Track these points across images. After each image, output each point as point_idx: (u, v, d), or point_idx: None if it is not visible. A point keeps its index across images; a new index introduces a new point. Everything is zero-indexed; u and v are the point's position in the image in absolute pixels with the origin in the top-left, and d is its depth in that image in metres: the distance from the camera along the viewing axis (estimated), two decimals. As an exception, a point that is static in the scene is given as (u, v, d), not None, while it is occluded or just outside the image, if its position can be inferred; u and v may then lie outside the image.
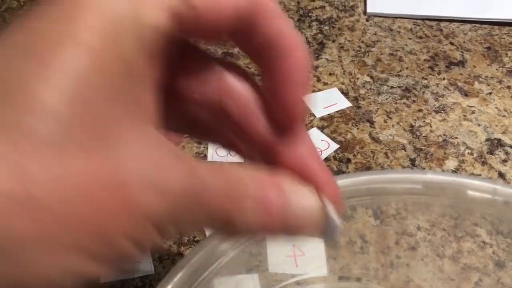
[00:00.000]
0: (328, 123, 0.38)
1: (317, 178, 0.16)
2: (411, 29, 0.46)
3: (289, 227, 0.15)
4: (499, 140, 0.37)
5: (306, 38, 0.45)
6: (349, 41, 0.45)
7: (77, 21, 0.13)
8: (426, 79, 0.41)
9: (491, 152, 0.36)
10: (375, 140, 0.37)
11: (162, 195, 0.13)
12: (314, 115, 0.39)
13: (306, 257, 0.31)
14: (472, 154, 0.36)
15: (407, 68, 0.42)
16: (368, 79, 0.41)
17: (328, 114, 0.39)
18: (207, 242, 0.25)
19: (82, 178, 0.12)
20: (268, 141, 0.17)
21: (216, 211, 0.14)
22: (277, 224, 0.15)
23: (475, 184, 0.27)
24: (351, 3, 0.48)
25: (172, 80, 0.16)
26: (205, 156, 0.36)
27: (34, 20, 0.14)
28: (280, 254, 0.30)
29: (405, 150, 0.36)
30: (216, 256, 0.25)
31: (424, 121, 0.38)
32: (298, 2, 0.49)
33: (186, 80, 0.17)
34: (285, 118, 0.17)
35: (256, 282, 0.29)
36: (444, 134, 0.37)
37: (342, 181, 0.27)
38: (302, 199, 0.15)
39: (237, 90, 0.17)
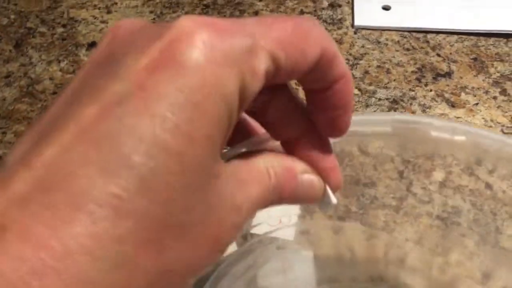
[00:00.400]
0: (317, 136, 0.38)
1: (325, 167, 0.19)
2: (398, 41, 0.46)
3: (295, 201, 0.19)
4: (486, 151, 0.37)
5: (295, 51, 0.46)
6: (337, 53, 0.45)
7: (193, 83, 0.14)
8: (413, 90, 0.42)
9: (478, 163, 0.36)
10: (364, 152, 0.37)
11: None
12: (303, 128, 0.39)
13: (295, 271, 0.31)
14: (459, 165, 0.36)
15: (394, 80, 0.43)
16: (356, 91, 0.42)
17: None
18: None
19: None
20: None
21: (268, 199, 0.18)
22: (285, 200, 0.18)
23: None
24: (339, 16, 0.49)
25: None
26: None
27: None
28: (270, 267, 0.30)
29: (393, 162, 0.37)
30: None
31: (413, 135, 0.38)
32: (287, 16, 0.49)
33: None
34: (329, 132, 0.19)
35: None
36: (432, 146, 0.37)
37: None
38: (311, 179, 0.19)
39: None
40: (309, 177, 0.19)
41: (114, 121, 0.14)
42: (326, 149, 0.19)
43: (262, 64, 0.15)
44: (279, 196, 0.18)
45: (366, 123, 0.29)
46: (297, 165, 0.19)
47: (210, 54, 0.14)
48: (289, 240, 0.32)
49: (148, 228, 0.14)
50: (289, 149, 0.19)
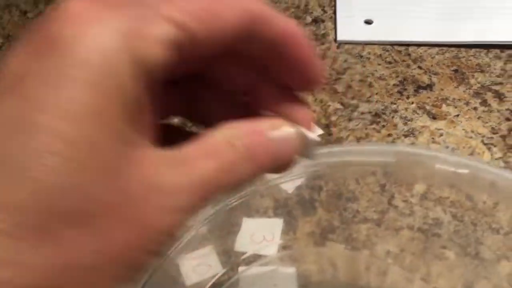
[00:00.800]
0: (300, 152, 0.39)
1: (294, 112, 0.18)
2: (380, 54, 0.47)
3: (276, 162, 0.17)
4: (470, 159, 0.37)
5: (279, 68, 0.46)
6: (320, 69, 0.46)
7: (72, 59, 0.13)
8: (395, 103, 0.42)
9: (458, 175, 0.37)
10: (346, 164, 0.38)
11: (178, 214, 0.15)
12: (286, 144, 0.40)
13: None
14: (440, 177, 0.37)
15: (377, 93, 0.43)
16: (339, 106, 0.42)
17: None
18: None
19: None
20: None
21: (226, 181, 0.16)
22: (266, 164, 0.17)
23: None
24: (322, 32, 0.50)
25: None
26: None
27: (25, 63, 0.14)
28: (254, 284, 0.31)
29: (375, 175, 0.37)
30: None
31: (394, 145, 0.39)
32: (271, 32, 0.50)
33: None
34: (306, 82, 0.18)
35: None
36: (413, 160, 0.38)
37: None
38: (282, 132, 0.17)
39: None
40: (280, 131, 0.17)
41: None
42: (289, 95, 0.18)
43: (159, 33, 0.14)
44: (255, 164, 0.16)
45: (369, 153, 0.29)
46: (262, 124, 0.17)
47: (93, 31, 0.14)
48: (272, 257, 0.32)
49: (34, 219, 0.13)
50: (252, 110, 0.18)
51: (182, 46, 0.15)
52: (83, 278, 0.13)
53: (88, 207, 0.13)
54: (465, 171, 0.29)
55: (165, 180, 0.15)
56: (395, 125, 0.41)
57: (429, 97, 0.43)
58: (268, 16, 0.16)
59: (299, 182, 0.37)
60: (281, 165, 0.17)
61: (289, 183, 0.35)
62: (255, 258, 0.32)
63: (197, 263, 0.32)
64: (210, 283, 0.30)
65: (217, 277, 0.30)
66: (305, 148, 0.18)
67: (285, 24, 0.17)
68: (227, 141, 0.16)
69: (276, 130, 0.17)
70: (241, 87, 0.19)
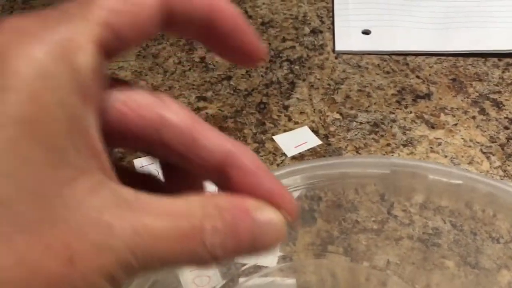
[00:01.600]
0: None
1: (273, 194, 0.16)
2: (378, 64, 0.47)
3: (257, 246, 0.15)
4: (466, 170, 0.37)
5: (278, 79, 0.47)
6: (318, 79, 0.46)
7: (4, 71, 0.13)
8: (393, 113, 0.42)
9: (458, 184, 0.37)
10: (345, 175, 0.38)
11: (111, 254, 0.13)
12: (285, 155, 0.40)
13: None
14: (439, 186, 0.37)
15: (375, 103, 0.43)
16: (337, 116, 0.43)
17: (299, 153, 0.40)
18: None
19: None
20: (217, 164, 0.16)
21: (173, 255, 0.14)
22: (246, 245, 0.15)
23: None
24: (321, 42, 0.50)
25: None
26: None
27: None
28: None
29: (374, 185, 0.37)
30: None
31: (392, 155, 0.39)
32: (270, 43, 0.51)
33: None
34: (249, 56, 0.18)
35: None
36: (412, 167, 0.38)
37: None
38: (268, 215, 0.16)
39: (174, 121, 0.16)
40: (266, 213, 0.15)
41: None
42: (265, 173, 0.16)
43: (86, 37, 0.14)
44: (235, 240, 0.14)
45: (363, 165, 0.30)
46: (247, 201, 0.15)
47: (28, 44, 0.13)
48: (272, 268, 0.32)
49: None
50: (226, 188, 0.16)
51: (109, 45, 0.15)
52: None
53: (8, 221, 0.12)
54: (459, 181, 0.29)
55: (106, 219, 0.13)
56: (394, 135, 0.41)
57: (427, 107, 0.43)
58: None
59: (297, 193, 0.37)
60: (260, 251, 0.16)
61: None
62: (255, 269, 0.32)
63: (197, 275, 0.32)
64: (210, 296, 0.30)
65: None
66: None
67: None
68: (204, 209, 0.14)
69: (262, 212, 0.15)
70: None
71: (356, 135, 0.41)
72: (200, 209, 0.14)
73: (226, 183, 0.16)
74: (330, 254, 0.33)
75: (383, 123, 0.42)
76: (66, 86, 0.13)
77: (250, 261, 0.33)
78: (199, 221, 0.14)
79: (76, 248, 0.13)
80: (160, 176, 0.18)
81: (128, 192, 0.14)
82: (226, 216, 0.14)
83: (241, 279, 0.32)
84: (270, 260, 0.33)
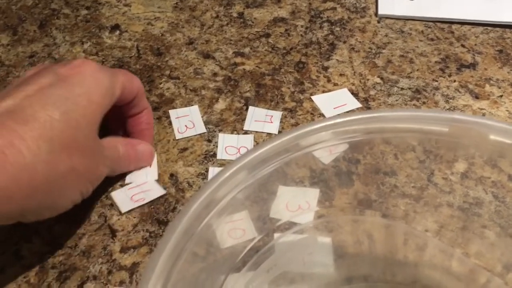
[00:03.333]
0: (337, 124, 0.38)
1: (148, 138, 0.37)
2: (422, 31, 0.46)
3: (139, 162, 0.35)
4: (510, 144, 0.36)
5: (317, 39, 0.45)
6: (360, 42, 0.45)
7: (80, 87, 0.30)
8: (436, 81, 0.41)
9: (501, 156, 0.36)
10: (385, 141, 0.37)
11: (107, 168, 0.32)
12: (323, 115, 0.39)
13: (314, 256, 0.31)
14: (482, 157, 0.36)
15: (417, 70, 0.42)
16: (378, 80, 0.41)
17: (338, 115, 0.39)
18: (206, 188, 0.26)
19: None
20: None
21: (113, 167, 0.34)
22: (132, 162, 0.35)
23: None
24: (363, 5, 0.48)
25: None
26: (215, 154, 0.37)
27: None
28: (289, 252, 0.30)
29: (414, 152, 0.36)
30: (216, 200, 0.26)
31: (434, 123, 0.38)
32: (310, 3, 0.49)
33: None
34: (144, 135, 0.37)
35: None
36: (454, 137, 0.37)
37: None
38: (144, 147, 0.36)
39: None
40: (143, 146, 0.35)
41: (47, 91, 0.28)
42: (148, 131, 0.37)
43: (119, 82, 0.32)
44: (128, 159, 0.34)
45: (423, 119, 0.28)
46: (134, 141, 0.35)
47: (96, 72, 0.31)
48: (307, 225, 0.32)
49: (62, 137, 0.28)
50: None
51: (121, 91, 0.33)
52: (69, 181, 0.29)
53: (78, 147, 0.29)
54: None
55: (104, 154, 0.32)
56: (436, 103, 0.39)
57: (472, 76, 0.41)
58: (144, 95, 0.35)
59: (336, 154, 0.37)
60: (142, 164, 0.36)
61: (327, 155, 0.34)
62: (290, 225, 0.32)
63: (232, 227, 0.32)
64: (246, 249, 0.30)
65: (253, 242, 0.30)
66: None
67: (147, 102, 0.36)
68: (116, 145, 0.33)
69: (140, 145, 0.35)
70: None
71: (397, 100, 0.40)
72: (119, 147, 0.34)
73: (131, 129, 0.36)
74: (367, 215, 0.32)
75: (425, 90, 0.40)
76: (108, 102, 0.31)
77: (284, 218, 0.32)
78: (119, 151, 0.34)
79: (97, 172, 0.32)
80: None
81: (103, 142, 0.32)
82: (124, 147, 0.34)
83: (276, 235, 0.31)
84: (305, 217, 0.32)
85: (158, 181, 0.35)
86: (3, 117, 0.26)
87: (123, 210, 0.33)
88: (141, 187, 0.34)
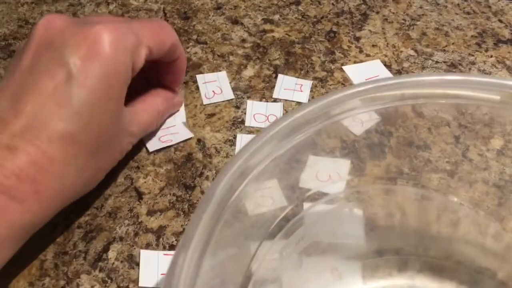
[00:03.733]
0: (369, 95, 0.37)
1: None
2: (458, 4, 0.44)
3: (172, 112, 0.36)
4: (548, 121, 0.35)
5: (349, 8, 0.44)
6: (393, 13, 0.43)
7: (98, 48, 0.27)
8: (472, 55, 0.40)
9: (539, 133, 0.35)
10: (418, 114, 0.36)
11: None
12: (355, 86, 0.38)
13: (344, 228, 0.30)
14: (518, 134, 0.35)
15: (453, 43, 0.41)
16: (412, 52, 0.40)
17: (369, 81, 0.38)
18: (238, 157, 0.25)
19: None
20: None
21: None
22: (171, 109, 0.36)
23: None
24: (397, -25, 0.47)
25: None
26: (243, 121, 0.36)
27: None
28: (320, 222, 0.30)
29: (449, 127, 0.35)
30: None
31: (469, 98, 0.37)
32: (342, -28, 0.48)
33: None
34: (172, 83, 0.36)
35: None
36: (490, 112, 0.36)
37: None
38: (179, 99, 0.36)
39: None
40: (178, 99, 0.36)
41: (65, 91, 0.26)
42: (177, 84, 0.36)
43: (143, 53, 0.29)
44: (167, 113, 0.35)
45: (471, 85, 0.26)
46: (170, 96, 0.35)
47: (114, 49, 0.27)
48: (338, 196, 0.31)
49: (89, 144, 0.27)
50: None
51: (147, 57, 0.30)
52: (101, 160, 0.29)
53: (108, 141, 0.29)
54: None
55: (131, 127, 0.31)
56: (472, 77, 0.38)
57: (509, 52, 0.40)
58: (178, 45, 0.33)
59: (367, 126, 0.36)
60: (173, 112, 0.36)
61: (358, 126, 0.33)
62: (320, 195, 0.31)
63: (261, 195, 0.31)
64: (278, 218, 0.29)
65: (285, 211, 0.29)
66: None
67: (182, 51, 0.34)
68: (156, 104, 0.33)
69: (176, 98, 0.36)
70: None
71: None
72: (154, 105, 0.34)
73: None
74: (400, 188, 0.32)
75: (461, 64, 0.39)
76: (129, 71, 0.29)
77: (314, 187, 0.31)
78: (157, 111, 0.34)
79: (122, 150, 0.31)
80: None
81: (135, 109, 0.32)
82: (164, 105, 0.34)
83: (306, 204, 0.31)
84: (336, 187, 0.32)
85: (185, 124, 0.35)
86: (29, 134, 0.25)
87: (151, 149, 0.34)
88: (169, 130, 0.35)
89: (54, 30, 0.27)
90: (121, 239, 0.29)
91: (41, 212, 0.26)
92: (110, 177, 0.32)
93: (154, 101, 0.33)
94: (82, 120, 0.26)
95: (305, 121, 0.29)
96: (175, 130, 0.35)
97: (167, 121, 0.36)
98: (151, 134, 0.34)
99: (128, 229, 0.30)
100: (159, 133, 0.35)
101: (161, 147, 0.34)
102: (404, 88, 0.30)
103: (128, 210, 0.31)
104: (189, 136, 0.35)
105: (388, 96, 0.30)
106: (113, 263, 0.29)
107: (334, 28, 0.42)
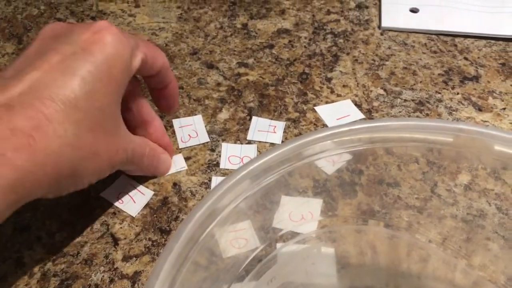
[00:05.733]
0: (341, 134, 0.38)
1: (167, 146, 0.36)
2: (425, 43, 0.46)
3: (157, 171, 0.36)
4: (512, 155, 0.36)
5: (321, 50, 0.46)
6: (363, 54, 0.45)
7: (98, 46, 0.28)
8: (440, 93, 0.41)
9: (505, 168, 0.36)
10: (388, 152, 0.37)
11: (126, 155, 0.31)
12: (326, 126, 0.39)
13: (316, 267, 0.31)
14: (485, 169, 0.36)
15: (421, 82, 0.42)
16: (381, 91, 0.42)
17: (340, 125, 0.39)
18: (209, 197, 0.26)
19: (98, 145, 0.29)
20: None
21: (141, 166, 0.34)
22: (153, 169, 0.35)
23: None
24: (366, 17, 0.49)
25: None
26: (218, 163, 0.37)
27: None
28: (292, 262, 0.30)
29: (418, 163, 0.36)
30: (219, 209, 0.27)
31: (437, 134, 0.38)
32: (313, 15, 0.49)
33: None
34: (168, 108, 0.37)
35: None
36: (457, 148, 0.37)
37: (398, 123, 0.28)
38: (166, 158, 0.36)
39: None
40: (166, 157, 0.36)
41: (70, 63, 0.27)
42: (166, 138, 0.36)
43: (139, 55, 0.30)
44: (151, 162, 0.34)
45: (428, 129, 0.28)
46: (160, 149, 0.35)
47: (117, 38, 0.29)
48: (310, 236, 0.32)
49: (88, 114, 0.27)
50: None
51: (141, 65, 0.31)
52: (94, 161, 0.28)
53: (108, 126, 0.29)
54: None
55: (125, 137, 0.31)
56: (440, 115, 0.40)
57: (475, 89, 0.42)
58: (169, 68, 0.34)
59: (339, 165, 0.37)
60: (158, 173, 0.36)
61: (330, 165, 0.34)
62: (293, 235, 0.32)
63: (234, 237, 0.31)
64: (249, 258, 0.30)
65: (255, 252, 0.30)
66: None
67: (172, 75, 0.35)
68: (146, 145, 0.34)
69: (163, 155, 0.35)
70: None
71: (400, 112, 0.40)
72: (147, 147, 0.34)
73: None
74: (370, 227, 0.32)
75: (428, 102, 0.41)
76: (127, 73, 0.30)
77: (287, 228, 0.32)
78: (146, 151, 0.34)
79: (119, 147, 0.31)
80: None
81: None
82: (151, 152, 0.34)
83: (279, 244, 0.31)
84: (308, 227, 0.32)
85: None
86: (30, 95, 0.25)
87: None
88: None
89: (60, 28, 0.29)
90: (96, 286, 0.30)
91: (32, 173, 0.24)
92: (86, 223, 0.33)
93: (145, 140, 0.34)
94: (85, 89, 0.26)
95: (277, 162, 0.30)
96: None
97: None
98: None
99: (103, 275, 0.30)
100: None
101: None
102: (373, 132, 0.31)
103: (104, 257, 0.31)
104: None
105: (358, 140, 0.32)
106: (88, 311, 0.29)
107: (307, 70, 0.44)
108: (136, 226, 0.33)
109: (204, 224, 0.26)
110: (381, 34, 0.47)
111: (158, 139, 0.35)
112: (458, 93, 0.41)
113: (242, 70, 0.44)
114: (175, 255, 0.24)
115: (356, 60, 0.45)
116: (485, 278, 0.30)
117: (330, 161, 0.36)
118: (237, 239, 0.31)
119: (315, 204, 0.33)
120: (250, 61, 0.45)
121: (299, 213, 0.33)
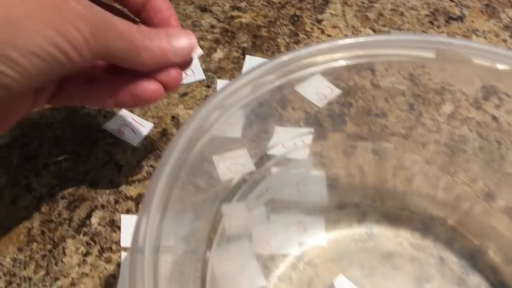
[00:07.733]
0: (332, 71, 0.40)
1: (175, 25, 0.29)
2: (412, -13, 0.47)
3: (174, 60, 0.27)
4: (493, 87, 0.38)
5: (311, -6, 0.47)
6: (352, -3, 0.46)
7: None
8: (426, 32, 0.43)
9: (485, 98, 0.38)
10: (376, 86, 0.39)
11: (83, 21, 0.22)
12: (318, 63, 0.40)
13: (308, 187, 0.33)
14: (468, 100, 0.38)
15: (408, 22, 0.44)
16: (370, 32, 0.43)
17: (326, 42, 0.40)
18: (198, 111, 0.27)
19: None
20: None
21: (127, 43, 0.24)
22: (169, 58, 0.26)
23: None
24: (355, -37, 0.50)
25: None
26: (214, 98, 0.38)
27: None
28: (285, 181, 0.32)
29: (404, 96, 0.38)
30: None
31: (423, 70, 0.40)
32: (304, -39, 0.50)
33: None
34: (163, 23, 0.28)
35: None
36: (442, 82, 0.39)
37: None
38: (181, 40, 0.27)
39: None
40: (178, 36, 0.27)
41: None
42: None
43: None
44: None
45: (408, 45, 0.29)
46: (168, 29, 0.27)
47: None
48: (303, 161, 0.34)
49: None
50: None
51: None
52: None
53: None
54: (505, 66, 0.29)
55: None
56: (425, 52, 0.41)
57: (459, 28, 0.43)
58: None
59: (329, 98, 0.38)
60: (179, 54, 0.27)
61: (321, 99, 0.36)
62: (287, 161, 0.34)
63: (231, 163, 0.33)
64: (245, 181, 0.31)
65: (251, 175, 0.32)
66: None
67: None
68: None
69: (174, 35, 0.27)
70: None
71: (388, 49, 0.42)
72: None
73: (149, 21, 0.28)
74: (359, 151, 0.34)
75: (415, 41, 0.42)
76: None
77: (281, 154, 0.34)
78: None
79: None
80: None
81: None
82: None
83: (273, 169, 0.33)
84: (301, 153, 0.34)
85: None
86: None
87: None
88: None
89: None
90: (102, 206, 0.32)
91: None
92: (90, 153, 0.35)
93: (132, 27, 0.24)
94: None
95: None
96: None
97: None
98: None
99: (109, 197, 0.32)
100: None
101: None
102: (359, 49, 0.32)
103: (109, 182, 0.33)
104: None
105: (343, 56, 0.33)
106: (96, 228, 0.31)
107: (298, 12, 0.45)
108: (138, 154, 0.35)
109: (192, 141, 0.27)
110: (370, -21, 0.48)
111: (163, 22, 0.28)
112: (443, 32, 0.43)
113: (235, 13, 0.45)
114: (167, 173, 0.25)
115: (346, 2, 0.46)
116: (466, 194, 0.33)
117: (321, 95, 0.37)
118: (234, 165, 0.33)
119: (307, 133, 0.35)
120: (243, 4, 0.46)
121: (292, 142, 0.35)
